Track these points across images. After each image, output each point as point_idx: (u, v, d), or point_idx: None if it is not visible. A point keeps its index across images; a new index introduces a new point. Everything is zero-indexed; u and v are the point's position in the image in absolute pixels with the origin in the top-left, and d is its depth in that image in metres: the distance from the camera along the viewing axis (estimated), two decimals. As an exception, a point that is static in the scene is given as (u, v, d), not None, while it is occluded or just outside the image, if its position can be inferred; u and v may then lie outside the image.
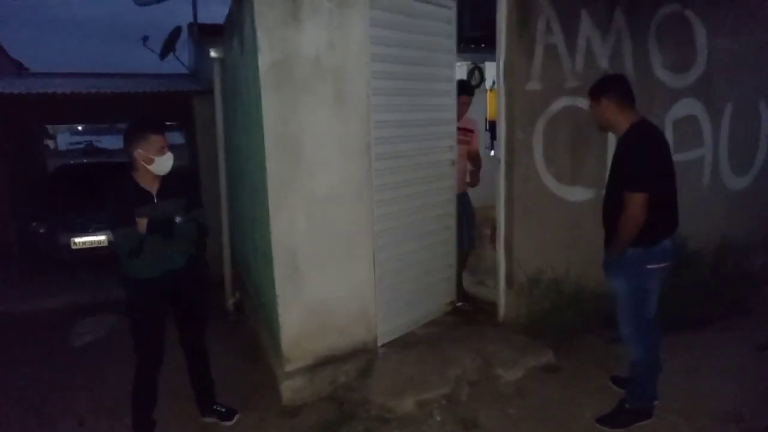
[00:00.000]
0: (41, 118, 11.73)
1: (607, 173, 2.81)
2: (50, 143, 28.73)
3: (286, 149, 3.13)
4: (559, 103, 3.71)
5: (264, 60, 3.02)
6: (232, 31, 4.06)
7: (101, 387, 3.65)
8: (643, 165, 2.56)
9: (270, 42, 3.01)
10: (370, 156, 3.35)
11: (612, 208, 2.69)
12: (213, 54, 4.73)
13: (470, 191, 4.43)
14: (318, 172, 3.22)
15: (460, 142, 4.13)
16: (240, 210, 4.77)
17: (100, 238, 7.19)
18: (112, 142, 25.14)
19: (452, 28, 3.93)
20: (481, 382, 3.31)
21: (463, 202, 4.30)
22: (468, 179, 4.33)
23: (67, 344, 4.60)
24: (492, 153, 6.19)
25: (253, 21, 2.98)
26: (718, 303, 3.98)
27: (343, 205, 3.30)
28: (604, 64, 3.80)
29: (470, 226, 4.36)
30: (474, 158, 4.38)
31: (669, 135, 4.09)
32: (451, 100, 4.06)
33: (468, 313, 4.23)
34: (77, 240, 7.19)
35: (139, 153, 2.74)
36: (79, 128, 29.03)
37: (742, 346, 3.57)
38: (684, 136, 4.14)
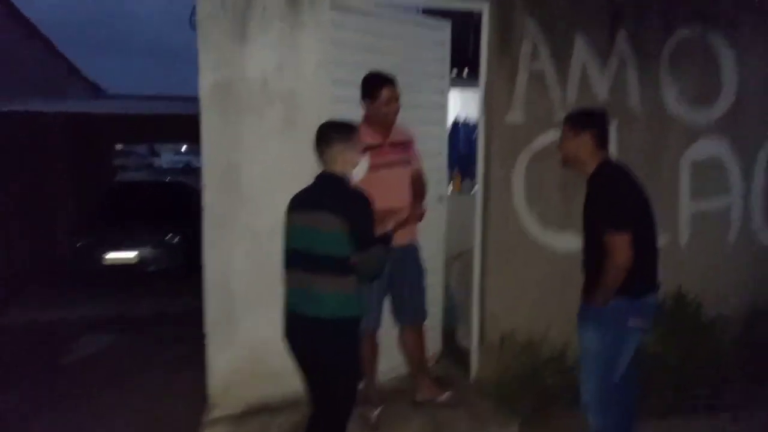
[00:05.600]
0: (113, 138, 12.42)
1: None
2: (155, 161, 30.69)
3: (226, 179, 2.92)
4: (546, 138, 3.25)
5: (205, 81, 2.85)
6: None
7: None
8: (621, 204, 2.32)
9: (213, 61, 2.84)
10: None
11: (590, 254, 2.46)
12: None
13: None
14: (262, 205, 2.96)
15: (394, 164, 2.89)
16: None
17: (130, 255, 7.32)
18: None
19: (445, 52, 3.59)
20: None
21: (406, 258, 3.00)
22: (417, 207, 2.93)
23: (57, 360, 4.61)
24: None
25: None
26: (739, 381, 3.31)
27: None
28: (602, 94, 3.31)
29: (418, 293, 3.11)
30: (417, 181, 3.06)
31: (686, 179, 3.51)
32: (442, 130, 3.71)
33: (447, 366, 3.78)
34: (108, 256, 7.36)
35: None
36: (182, 149, 30.45)
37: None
38: (705, 181, 3.52)
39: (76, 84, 10.81)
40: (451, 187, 6.76)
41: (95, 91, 12.10)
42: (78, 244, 7.55)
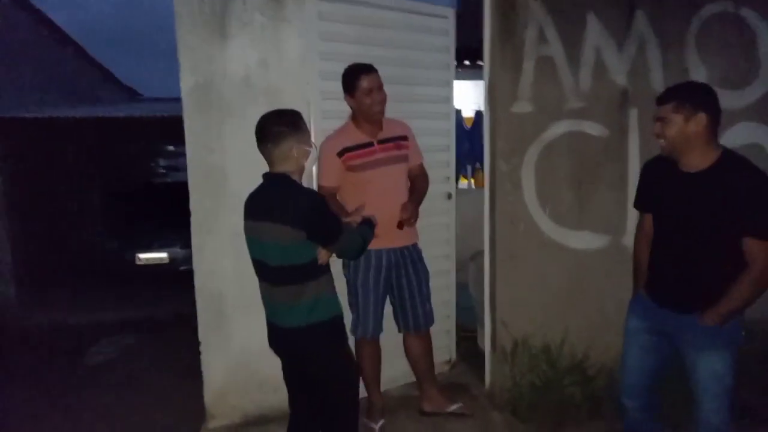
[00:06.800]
0: (148, 140, 12.65)
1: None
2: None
3: (210, 181, 2.81)
4: (558, 128, 3.00)
5: (186, 82, 2.74)
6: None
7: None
8: None
9: (192, 61, 2.73)
10: (314, 188, 2.90)
11: (711, 263, 1.99)
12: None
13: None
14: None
15: (384, 163, 2.71)
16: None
17: (162, 255, 7.43)
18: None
19: (449, 40, 3.38)
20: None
21: (405, 261, 2.81)
22: (407, 210, 2.69)
23: (76, 361, 4.67)
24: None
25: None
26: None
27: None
28: (621, 80, 3.02)
29: (420, 297, 2.88)
30: (417, 179, 2.89)
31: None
32: (449, 123, 3.50)
33: (463, 373, 3.58)
34: (142, 256, 7.48)
35: None
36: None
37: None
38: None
39: (111, 88, 11.05)
40: (472, 183, 6.53)
41: (131, 94, 12.35)
42: (109, 245, 7.72)
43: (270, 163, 2.10)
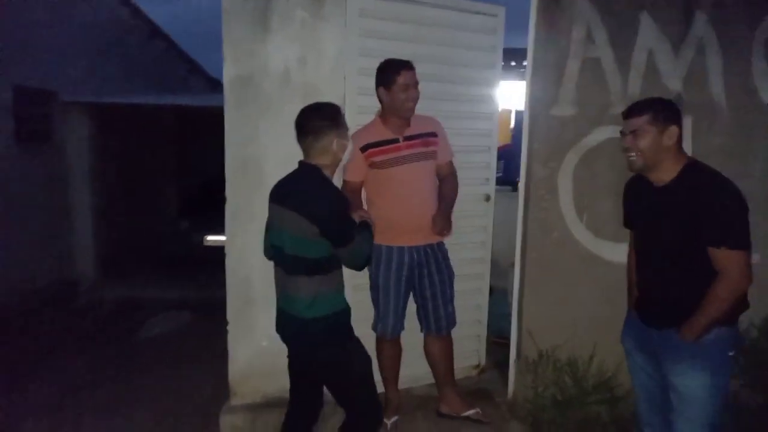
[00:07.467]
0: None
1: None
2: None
3: (246, 173, 2.90)
4: (601, 134, 2.86)
5: (228, 74, 2.85)
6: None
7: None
8: (744, 216, 1.87)
9: (235, 54, 2.83)
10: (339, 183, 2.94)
11: (685, 276, 1.96)
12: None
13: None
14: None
15: (409, 159, 2.66)
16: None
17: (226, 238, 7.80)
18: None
19: (497, 40, 3.31)
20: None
21: (429, 260, 2.76)
22: (437, 224, 2.71)
23: (131, 336, 5.00)
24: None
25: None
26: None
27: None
28: (674, 85, 2.84)
29: (443, 298, 2.82)
30: (446, 180, 2.84)
31: (782, 185, 2.92)
32: (492, 124, 3.43)
33: (491, 380, 3.50)
34: (209, 238, 7.88)
35: None
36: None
37: None
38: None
39: (197, 79, 11.66)
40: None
41: (214, 85, 12.98)
42: (182, 227, 8.20)
43: (307, 155, 2.15)
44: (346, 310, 2.21)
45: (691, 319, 1.89)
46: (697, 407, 1.92)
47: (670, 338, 1.95)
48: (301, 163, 2.18)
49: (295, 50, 2.82)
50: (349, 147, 2.20)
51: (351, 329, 2.25)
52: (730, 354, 1.95)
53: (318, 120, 2.09)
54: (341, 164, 2.24)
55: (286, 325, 2.21)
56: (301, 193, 2.07)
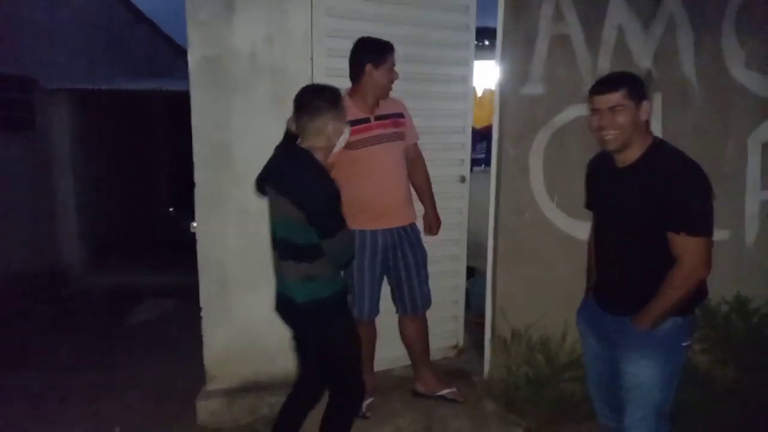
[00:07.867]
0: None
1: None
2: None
3: (216, 156, 2.89)
4: (572, 113, 2.84)
5: (194, 56, 2.81)
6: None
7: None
8: (709, 200, 1.78)
9: (201, 36, 2.79)
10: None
11: (640, 261, 1.89)
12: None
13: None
14: (252, 184, 2.90)
15: (383, 139, 2.65)
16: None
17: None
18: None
19: (469, 19, 3.26)
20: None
21: (403, 241, 2.76)
22: (432, 227, 2.98)
23: (119, 321, 5.02)
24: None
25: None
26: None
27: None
28: (645, 62, 2.82)
29: (417, 279, 2.82)
30: (414, 162, 2.86)
31: (755, 164, 2.91)
32: (466, 104, 3.40)
33: (469, 361, 3.53)
34: (195, 224, 7.87)
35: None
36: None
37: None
38: (780, 167, 2.90)
39: (183, 64, 11.54)
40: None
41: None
42: (166, 214, 8.18)
43: (302, 136, 2.12)
44: (340, 292, 2.18)
45: (646, 308, 1.83)
46: (647, 395, 1.88)
47: (624, 325, 1.90)
48: (292, 148, 2.14)
49: (261, 30, 2.79)
50: (345, 134, 2.15)
51: (345, 310, 2.26)
52: (684, 344, 1.90)
53: (316, 100, 2.06)
54: (335, 149, 2.17)
55: (284, 306, 2.23)
56: (294, 178, 2.04)
